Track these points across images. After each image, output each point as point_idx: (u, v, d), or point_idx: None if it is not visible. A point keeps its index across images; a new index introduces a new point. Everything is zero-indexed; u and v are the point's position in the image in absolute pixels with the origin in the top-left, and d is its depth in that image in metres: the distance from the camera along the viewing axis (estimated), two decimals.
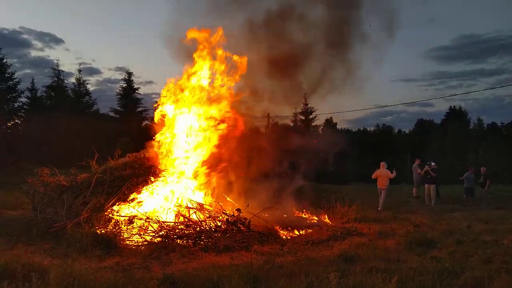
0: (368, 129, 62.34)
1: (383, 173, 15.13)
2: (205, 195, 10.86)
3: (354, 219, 11.68)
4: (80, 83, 37.19)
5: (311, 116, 43.20)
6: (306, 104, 41.47)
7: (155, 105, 11.86)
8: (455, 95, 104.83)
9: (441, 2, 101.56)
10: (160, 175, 10.61)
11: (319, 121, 45.62)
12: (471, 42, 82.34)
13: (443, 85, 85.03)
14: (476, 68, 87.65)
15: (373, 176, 15.38)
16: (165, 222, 9.07)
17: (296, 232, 10.12)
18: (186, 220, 9.18)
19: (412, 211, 14.25)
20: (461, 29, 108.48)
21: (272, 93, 13.13)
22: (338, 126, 54.52)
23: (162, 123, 11.71)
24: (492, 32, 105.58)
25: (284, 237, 9.66)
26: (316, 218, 11.72)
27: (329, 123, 50.78)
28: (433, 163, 16.71)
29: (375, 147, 48.78)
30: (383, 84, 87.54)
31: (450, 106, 54.09)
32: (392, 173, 15.11)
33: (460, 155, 36.78)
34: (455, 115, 51.82)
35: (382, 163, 15.41)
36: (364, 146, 47.17)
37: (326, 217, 12.00)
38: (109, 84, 75.85)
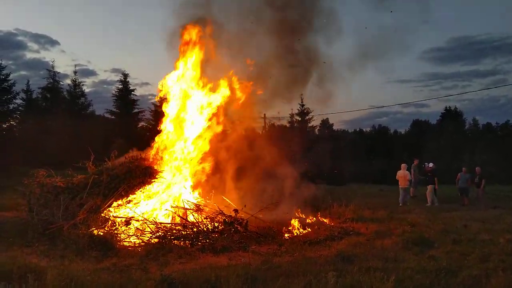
0: (364, 130, 62.52)
1: (403, 174, 16.25)
2: (202, 196, 10.84)
3: (351, 219, 11.70)
4: (76, 84, 37.07)
5: (307, 117, 43.33)
6: (303, 105, 41.68)
7: (156, 98, 12.00)
8: (450, 95, 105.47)
9: (435, 4, 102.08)
10: (157, 176, 10.57)
11: (316, 121, 45.65)
12: (465, 43, 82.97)
13: (438, 86, 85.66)
14: (471, 69, 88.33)
15: (396, 177, 16.42)
16: (162, 223, 9.04)
17: (295, 232, 10.10)
18: (183, 221, 9.16)
19: (409, 210, 14.27)
20: (455, 31, 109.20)
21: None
22: (335, 127, 54.71)
23: (159, 123, 11.73)
24: (486, 33, 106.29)
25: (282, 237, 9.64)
26: (313, 218, 11.71)
27: (326, 124, 50.90)
28: (430, 164, 16.85)
29: (371, 148, 48.95)
30: (378, 85, 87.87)
31: (446, 107, 54.43)
32: (410, 175, 16.43)
33: (456, 156, 36.94)
34: (451, 115, 52.06)
35: (403, 165, 16.55)
36: (361, 146, 47.30)
37: (323, 217, 12.00)
38: (105, 86, 75.71)
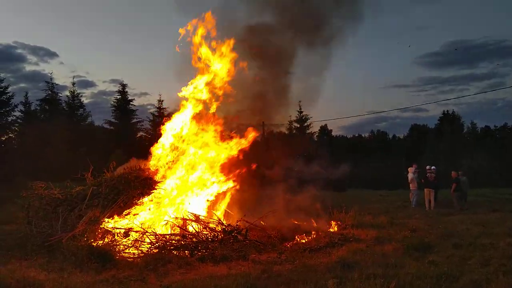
0: (363, 135, 62.65)
1: (410, 178, 17.23)
2: (202, 205, 10.81)
3: (351, 225, 11.66)
4: (74, 96, 37.20)
5: (306, 124, 43.43)
6: (301, 112, 41.78)
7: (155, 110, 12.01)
8: (448, 99, 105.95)
9: (430, 9, 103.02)
10: (156, 186, 10.54)
11: (314, 128, 45.74)
12: (461, 47, 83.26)
13: (435, 90, 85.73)
14: (467, 73, 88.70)
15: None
16: (162, 234, 9.01)
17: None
18: (183, 231, 9.13)
19: (409, 216, 14.25)
20: (451, 35, 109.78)
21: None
22: (333, 133, 54.84)
23: (158, 134, 11.75)
24: (482, 37, 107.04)
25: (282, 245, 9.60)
26: (313, 225, 11.67)
27: (324, 130, 51.02)
28: (433, 167, 16.97)
29: (370, 153, 48.98)
30: (376, 91, 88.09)
31: (444, 111, 54.27)
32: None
33: (454, 159, 36.92)
34: (449, 119, 52.11)
35: (410, 168, 17.49)
36: (360, 152, 47.36)
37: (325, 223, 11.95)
38: (104, 96, 75.76)
